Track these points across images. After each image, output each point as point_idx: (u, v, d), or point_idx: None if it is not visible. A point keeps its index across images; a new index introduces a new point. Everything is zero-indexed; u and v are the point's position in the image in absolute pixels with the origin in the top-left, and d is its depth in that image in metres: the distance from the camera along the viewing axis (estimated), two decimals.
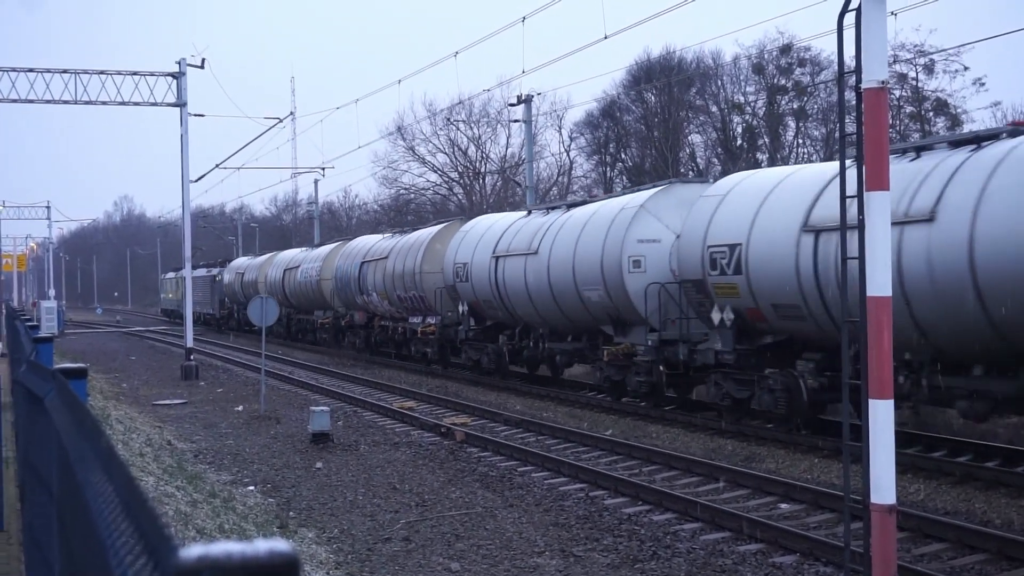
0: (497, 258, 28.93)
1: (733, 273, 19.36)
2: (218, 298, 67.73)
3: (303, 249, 55.05)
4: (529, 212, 30.22)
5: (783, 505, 14.84)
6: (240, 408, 27.42)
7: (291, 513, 15.28)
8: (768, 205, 18.86)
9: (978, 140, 15.81)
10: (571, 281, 24.97)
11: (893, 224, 15.29)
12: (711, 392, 21.24)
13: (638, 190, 25.93)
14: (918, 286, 15.24)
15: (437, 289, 33.54)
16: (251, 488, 17.20)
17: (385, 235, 42.09)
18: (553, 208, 28.69)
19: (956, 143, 16.26)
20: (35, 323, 20.30)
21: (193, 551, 1.40)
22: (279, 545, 1.41)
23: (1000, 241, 14.05)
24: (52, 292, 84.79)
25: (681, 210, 22.52)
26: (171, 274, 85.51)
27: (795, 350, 19.10)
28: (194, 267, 58.46)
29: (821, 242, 17.16)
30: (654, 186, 25.31)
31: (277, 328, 50.26)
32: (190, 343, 37.87)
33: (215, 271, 69.48)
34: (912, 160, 16.40)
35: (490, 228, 30.75)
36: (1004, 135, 15.57)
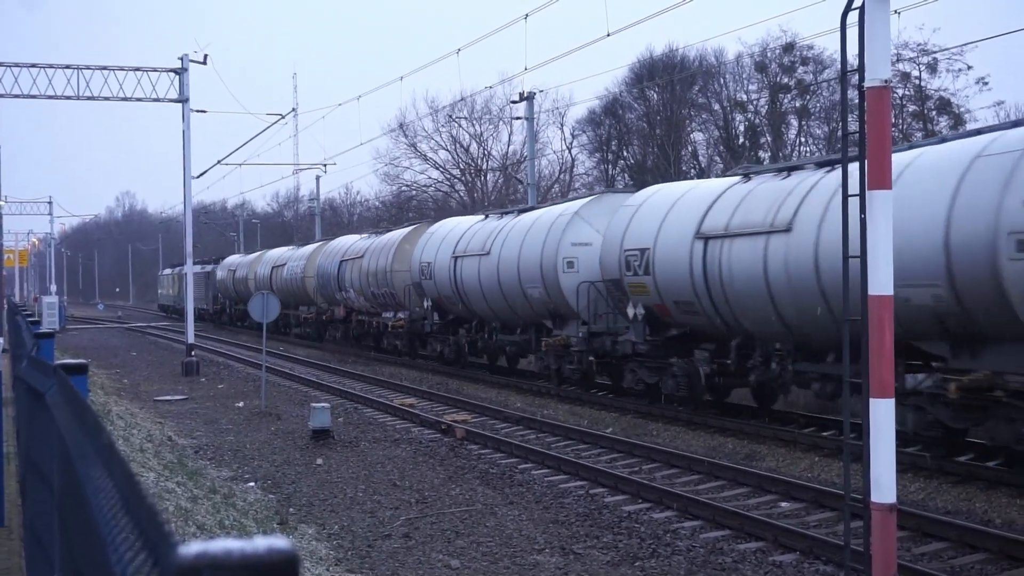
0: (456, 258, 31.72)
1: (643, 274, 22.06)
2: (212, 294, 69.86)
3: (290, 248, 57.98)
4: (486, 216, 33.31)
5: (783, 503, 14.85)
6: (241, 404, 27.43)
7: (291, 509, 15.29)
8: (671, 215, 21.60)
9: (832, 163, 18.20)
10: (516, 280, 27.97)
11: (759, 233, 18.67)
12: (627, 378, 24.00)
13: (576, 199, 29.40)
14: (779, 287, 17.97)
15: (406, 286, 36.51)
16: (251, 484, 17.21)
17: (363, 235, 44.95)
18: (507, 213, 31.77)
19: (820, 164, 18.82)
20: (36, 319, 20.31)
21: (192, 548, 1.40)
22: (278, 542, 1.41)
23: (833, 248, 15.71)
24: (53, 288, 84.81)
25: (610, 217, 24.67)
26: (168, 271, 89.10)
27: (695, 341, 21.99)
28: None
29: (709, 248, 19.90)
30: (589, 195, 28.89)
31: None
32: (191, 339, 37.87)
33: (209, 268, 71.54)
34: (783, 179, 19.13)
35: (452, 230, 33.71)
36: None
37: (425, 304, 34.96)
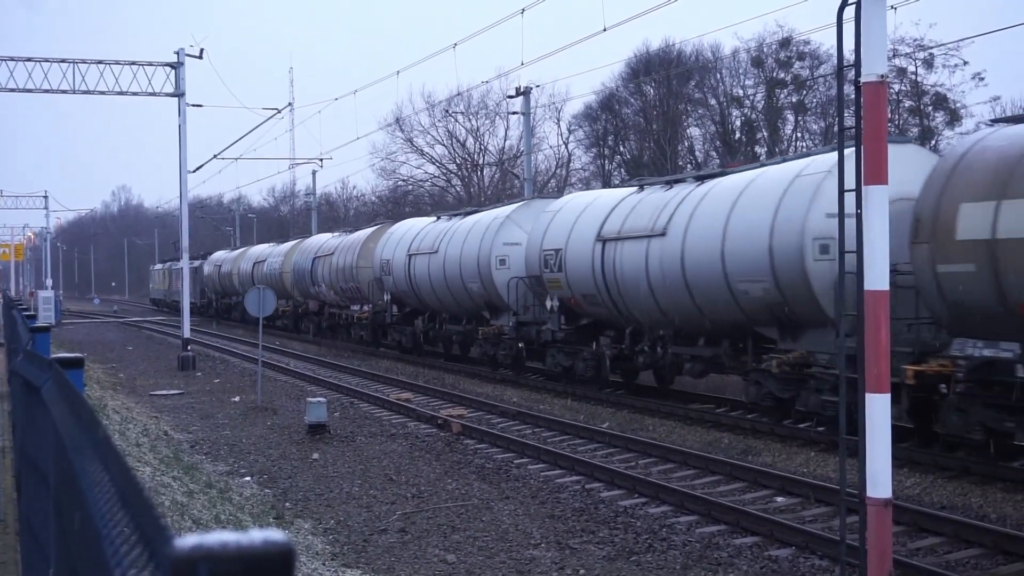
0: (411, 256, 35.26)
1: (558, 271, 25.64)
2: (199, 288, 71.65)
3: (270, 245, 61.27)
4: (438, 218, 36.94)
5: (779, 498, 14.87)
6: (237, 399, 27.42)
7: (287, 504, 15.30)
8: (580, 220, 25.18)
9: (708, 177, 21.95)
10: (459, 275, 31.43)
11: (642, 237, 21.70)
12: (548, 361, 27.57)
13: (509, 203, 33.09)
14: (657, 282, 21.54)
15: (370, 281, 39.86)
16: (247, 479, 17.21)
17: (335, 234, 48.31)
18: (455, 215, 35.25)
19: (698, 178, 22.41)
20: (32, 313, 20.30)
21: (188, 541, 1.40)
22: (274, 535, 1.41)
23: (695, 250, 20.26)
24: (49, 282, 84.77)
25: (535, 220, 28.27)
26: (159, 266, 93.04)
27: (600, 329, 25.77)
28: (177, 259, 66.84)
29: (606, 249, 23.53)
30: (520, 200, 33.10)
31: (247, 316, 53.88)
32: (187, 333, 37.83)
33: (196, 263, 73.16)
34: (666, 190, 22.75)
35: (408, 231, 37.25)
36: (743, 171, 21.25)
37: (385, 297, 38.30)
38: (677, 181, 23.18)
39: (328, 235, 49.24)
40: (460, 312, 33.15)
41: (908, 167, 16.48)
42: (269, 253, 57.44)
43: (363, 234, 41.87)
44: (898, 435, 13.43)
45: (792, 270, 17.81)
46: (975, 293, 14.33)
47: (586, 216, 25.00)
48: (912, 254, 15.29)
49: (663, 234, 21.19)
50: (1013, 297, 13.74)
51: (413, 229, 36.84)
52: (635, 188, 24.69)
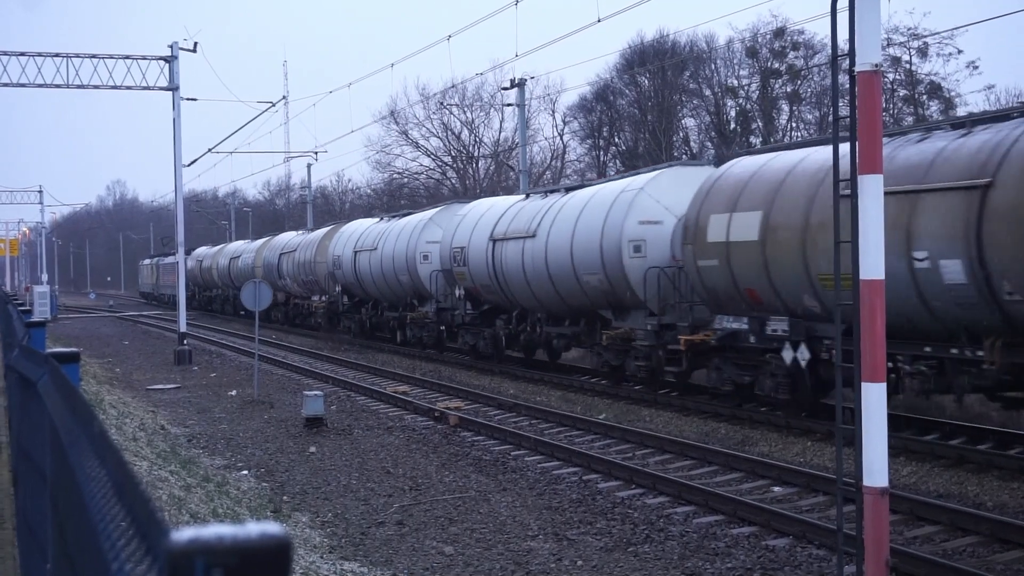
0: (356, 252, 40.62)
1: (463, 265, 30.66)
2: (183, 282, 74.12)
3: (245, 242, 66.67)
4: (380, 218, 42.18)
5: (776, 488, 14.89)
6: (233, 393, 27.42)
7: (285, 497, 15.30)
8: (479, 223, 30.21)
9: (570, 189, 27.69)
10: (392, 269, 36.69)
11: (520, 238, 27.00)
12: (459, 341, 32.90)
13: (432, 208, 38.12)
14: (530, 274, 26.64)
15: (325, 275, 44.80)
16: (245, 472, 17.21)
17: (298, 232, 54.14)
18: (394, 216, 40.62)
19: (568, 188, 27.89)
20: (28, 308, 20.26)
21: (184, 534, 1.40)
22: (271, 528, 1.41)
23: (555, 249, 25.30)
24: (45, 277, 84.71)
25: (449, 223, 33.30)
26: (147, 260, 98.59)
27: (496, 313, 30.60)
28: (164, 255, 79.67)
29: (496, 247, 28.47)
30: (442, 205, 37.91)
31: (226, 307, 65.20)
32: (183, 328, 37.79)
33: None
34: (543, 199, 28.14)
35: (356, 230, 42.67)
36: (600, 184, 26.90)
37: (337, 289, 43.81)
38: (552, 191, 28.92)
39: (292, 233, 55.25)
40: (396, 300, 38.16)
41: (680, 189, 22.66)
42: (243, 250, 62.26)
43: (320, 233, 47.33)
44: (893, 425, 13.45)
45: (614, 265, 23.07)
46: (720, 281, 19.76)
47: (484, 219, 30.11)
48: (683, 252, 20.98)
49: (534, 236, 26.48)
50: (741, 284, 19.22)
51: (359, 229, 42.14)
52: (524, 197, 30.41)
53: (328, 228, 47.49)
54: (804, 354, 18.11)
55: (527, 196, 29.61)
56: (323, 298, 45.80)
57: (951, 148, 15.50)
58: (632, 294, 22.83)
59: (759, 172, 19.46)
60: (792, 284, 18.04)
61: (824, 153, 17.27)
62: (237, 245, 66.46)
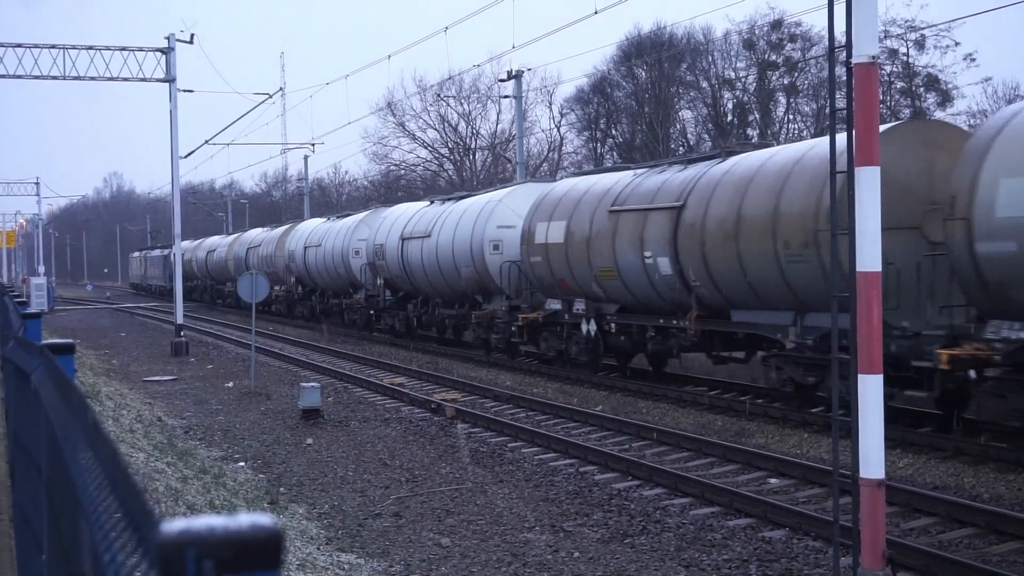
0: (306, 248, 47.49)
1: (382, 260, 37.20)
2: (167, 273, 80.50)
3: (220, 236, 73.85)
4: (328, 218, 48.84)
5: (773, 480, 14.90)
6: (230, 384, 27.41)
7: (282, 489, 15.30)
8: (394, 224, 36.76)
9: (461, 197, 34.22)
10: (331, 262, 43.65)
11: (419, 237, 34.11)
12: (382, 323, 39.54)
13: (354, 214, 45.47)
14: (429, 267, 33.03)
15: (283, 267, 51.21)
16: (241, 464, 17.21)
17: (263, 229, 61.13)
18: (341, 217, 46.41)
19: (459, 198, 34.10)
20: (24, 299, 20.24)
21: (175, 525, 1.39)
22: (261, 519, 1.40)
23: (443, 247, 31.77)
24: (42, 269, 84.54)
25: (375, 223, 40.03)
26: (136, 253, 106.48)
27: (408, 299, 36.92)
28: (151, 248, 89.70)
29: (404, 245, 34.90)
30: (366, 211, 44.45)
31: (204, 296, 72.01)
32: (180, 319, 37.78)
33: (166, 252, 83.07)
34: (441, 204, 34.61)
35: (306, 229, 49.87)
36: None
37: (292, 279, 50.37)
38: (448, 199, 35.21)
39: (259, 230, 62.17)
40: (337, 289, 44.77)
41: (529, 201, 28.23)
42: (219, 244, 68.79)
43: (280, 230, 54.74)
44: (891, 415, 13.45)
45: (480, 260, 29.82)
46: (543, 273, 26.42)
47: (397, 222, 36.73)
48: (521, 251, 27.49)
49: (429, 235, 33.05)
50: (556, 275, 25.72)
51: (308, 227, 49.67)
52: (428, 202, 37.09)
53: (287, 226, 54.72)
54: (592, 327, 24.66)
55: (431, 203, 36.52)
56: (282, 288, 51.69)
57: (669, 180, 21.92)
58: (493, 283, 29.68)
59: (568, 192, 25.93)
60: (584, 276, 24.41)
61: (609, 180, 24.69)
62: (213, 240, 73.47)
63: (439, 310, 34.39)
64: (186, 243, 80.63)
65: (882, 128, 17.09)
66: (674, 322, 21.72)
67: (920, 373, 15.87)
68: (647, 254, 21.62)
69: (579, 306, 25.11)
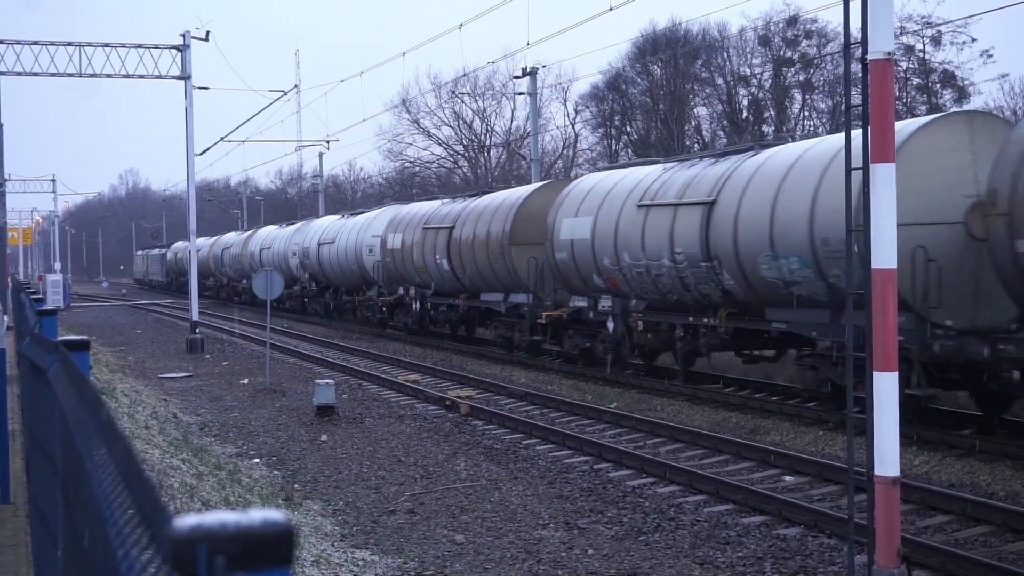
0: (261, 249, 57.08)
1: (307, 259, 48.65)
2: (165, 269, 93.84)
3: (207, 238, 79.38)
4: (281, 226, 57.77)
5: (787, 477, 14.87)
6: (245, 381, 27.48)
7: (296, 485, 15.33)
8: (312, 233, 48.45)
9: (357, 213, 45.98)
10: (279, 262, 52.76)
11: (328, 243, 46.26)
12: (310, 308, 51.31)
13: (292, 223, 58.77)
14: (332, 265, 45.09)
15: (247, 264, 59.75)
16: (256, 461, 17.25)
17: (237, 232, 71.00)
18: (287, 224, 56.11)
19: (353, 214, 46.00)
20: (40, 296, 20.32)
21: (188, 521, 1.39)
22: (274, 515, 1.41)
23: (340, 250, 43.77)
24: (58, 265, 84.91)
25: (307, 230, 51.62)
26: (139, 252, 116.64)
27: (328, 288, 47.95)
28: (151, 247, 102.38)
29: (320, 248, 45.92)
30: (300, 221, 56.47)
31: (219, 293, 75.60)
32: (195, 316, 37.86)
33: (164, 251, 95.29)
34: (345, 219, 46.05)
35: (263, 234, 59.77)
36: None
37: (306, 276, 56.12)
38: (356, 214, 46.71)
39: (234, 234, 72.54)
40: (350, 285, 48.17)
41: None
42: (203, 244, 74.50)
43: (247, 234, 64.92)
44: (906, 413, 13.40)
45: (360, 261, 41.27)
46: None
47: (314, 231, 48.77)
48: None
49: (333, 242, 44.54)
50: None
51: (264, 233, 60.39)
52: (339, 216, 48.65)
53: (250, 232, 64.90)
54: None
55: (342, 216, 48.15)
56: (245, 281, 60.41)
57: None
58: (369, 276, 40.90)
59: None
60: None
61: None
62: (201, 241, 78.97)
63: (342, 296, 45.25)
64: (179, 243, 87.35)
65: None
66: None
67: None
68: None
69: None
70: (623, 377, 24.65)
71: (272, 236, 57.98)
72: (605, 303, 24.49)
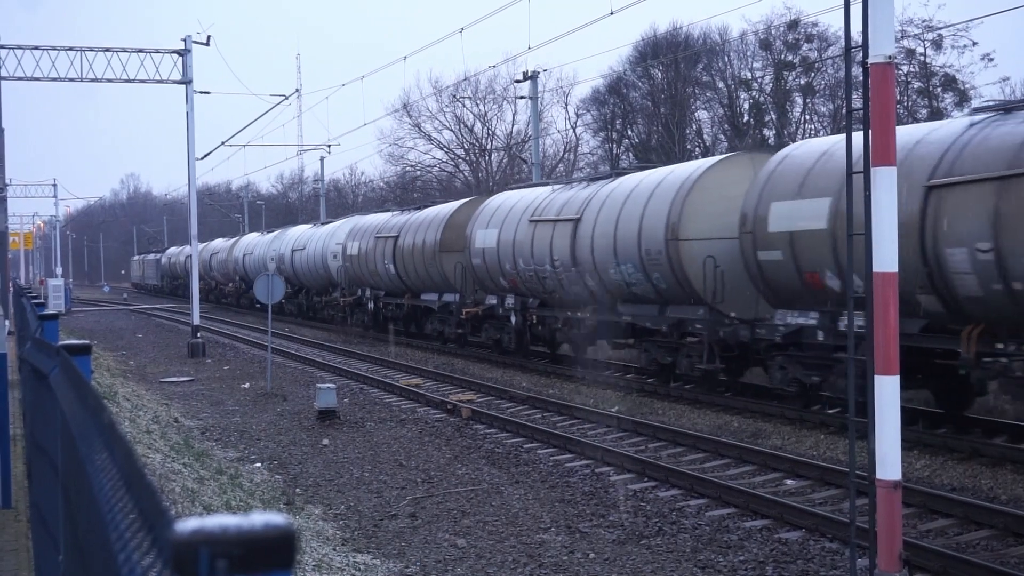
0: (244, 255, 61.80)
1: (283, 264, 52.05)
2: (160, 273, 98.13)
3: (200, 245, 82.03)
4: (262, 233, 63.54)
5: (789, 481, 14.86)
6: (246, 385, 27.47)
7: (298, 490, 15.33)
8: (287, 241, 53.46)
9: (325, 223, 52.80)
10: (258, 267, 55.32)
11: (300, 250, 52.96)
12: (286, 308, 53.77)
13: (270, 231, 64.03)
14: (304, 269, 50.49)
15: (232, 268, 65.84)
16: (258, 465, 17.25)
17: (224, 239, 76.64)
18: (267, 232, 59.66)
19: (268, 230, 61.55)
20: (42, 301, 20.33)
21: (189, 524, 1.39)
22: (275, 518, 1.41)
23: (309, 257, 49.56)
24: (59, 270, 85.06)
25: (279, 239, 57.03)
26: (136, 257, 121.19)
27: (301, 291, 52.20)
28: (147, 252, 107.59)
29: (293, 255, 51.50)
30: (278, 229, 60.77)
31: (186, 292, 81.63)
32: (196, 320, 37.85)
33: (159, 256, 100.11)
34: (315, 228, 52.55)
35: (246, 240, 65.23)
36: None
37: (237, 277, 64.17)
38: (324, 223, 51.11)
39: (221, 240, 77.80)
40: (319, 287, 52.91)
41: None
42: (221, 248, 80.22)
43: (232, 240, 71.19)
44: (908, 417, 13.42)
45: (326, 265, 45.83)
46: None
47: (288, 239, 53.41)
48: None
49: (304, 249, 49.60)
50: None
51: (247, 239, 65.85)
52: (311, 225, 53.96)
53: (235, 239, 70.37)
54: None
55: (313, 225, 53.77)
56: (231, 284, 67.80)
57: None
58: (333, 277, 45.85)
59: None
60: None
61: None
62: (188, 248, 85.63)
63: (313, 296, 50.73)
64: (173, 249, 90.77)
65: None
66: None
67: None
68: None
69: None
70: (624, 381, 24.66)
71: (254, 243, 63.40)
72: (510, 301, 29.36)
